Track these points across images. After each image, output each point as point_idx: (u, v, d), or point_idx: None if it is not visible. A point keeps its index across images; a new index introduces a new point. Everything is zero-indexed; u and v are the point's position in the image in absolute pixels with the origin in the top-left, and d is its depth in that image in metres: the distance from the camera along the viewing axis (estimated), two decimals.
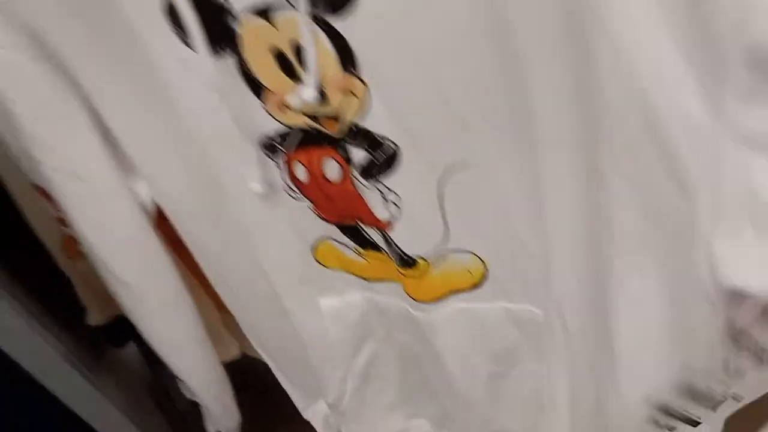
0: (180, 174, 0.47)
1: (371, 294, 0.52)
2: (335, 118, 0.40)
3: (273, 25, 0.36)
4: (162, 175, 0.48)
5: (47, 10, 0.40)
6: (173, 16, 0.37)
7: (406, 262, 0.46)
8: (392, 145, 0.40)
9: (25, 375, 0.53)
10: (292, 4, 0.35)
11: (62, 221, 0.52)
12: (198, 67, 0.39)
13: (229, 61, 0.39)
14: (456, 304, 0.49)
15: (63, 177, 0.47)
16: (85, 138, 0.45)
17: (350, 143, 0.41)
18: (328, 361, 0.58)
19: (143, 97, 0.42)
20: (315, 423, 0.68)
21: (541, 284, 0.46)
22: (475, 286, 0.47)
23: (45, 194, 0.50)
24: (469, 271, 0.46)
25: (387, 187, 0.42)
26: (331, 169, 0.43)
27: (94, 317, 0.76)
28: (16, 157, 0.48)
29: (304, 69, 0.37)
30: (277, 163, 0.44)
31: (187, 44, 0.38)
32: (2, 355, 0.51)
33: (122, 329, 0.65)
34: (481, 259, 0.45)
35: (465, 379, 0.54)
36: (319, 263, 0.51)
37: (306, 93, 0.37)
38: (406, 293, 0.49)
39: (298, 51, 0.37)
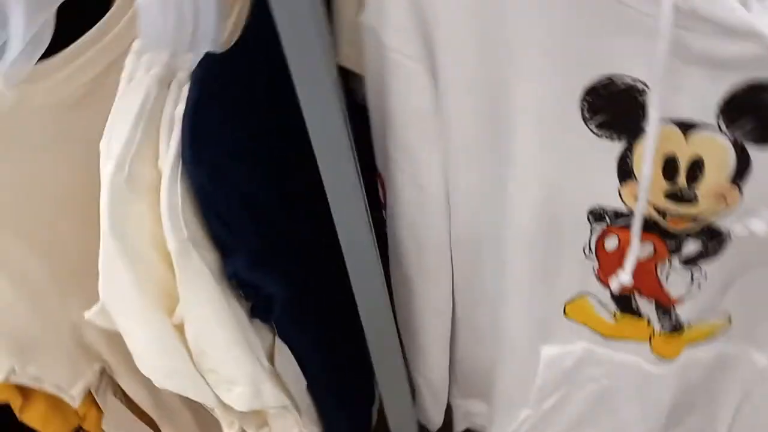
0: (479, 214, 0.53)
1: (596, 347, 0.59)
2: (684, 218, 0.47)
3: (683, 137, 0.43)
4: (466, 211, 0.53)
5: (455, 35, 0.42)
6: (586, 100, 0.43)
7: (677, 328, 0.55)
8: (729, 238, 0.48)
9: None
10: (723, 130, 0.42)
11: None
12: (568, 136, 0.45)
13: (612, 146, 0.45)
14: (687, 354, 0.57)
15: (405, 179, 0.51)
16: (429, 155, 0.49)
17: (688, 236, 0.48)
18: (518, 399, 0.65)
19: (488, 147, 0.47)
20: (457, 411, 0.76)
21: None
22: (713, 337, 0.57)
23: (380, 181, 0.55)
24: (714, 326, 0.56)
25: (700, 272, 0.50)
26: (643, 250, 0.50)
27: None
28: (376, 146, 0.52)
29: (691, 180, 0.44)
30: (593, 228, 0.50)
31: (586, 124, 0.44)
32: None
33: None
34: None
35: (662, 412, 0.63)
36: (563, 314, 0.58)
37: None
38: (652, 352, 0.57)
39: (693, 163, 0.44)
